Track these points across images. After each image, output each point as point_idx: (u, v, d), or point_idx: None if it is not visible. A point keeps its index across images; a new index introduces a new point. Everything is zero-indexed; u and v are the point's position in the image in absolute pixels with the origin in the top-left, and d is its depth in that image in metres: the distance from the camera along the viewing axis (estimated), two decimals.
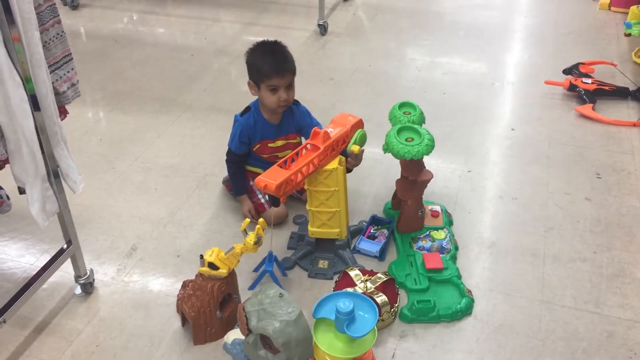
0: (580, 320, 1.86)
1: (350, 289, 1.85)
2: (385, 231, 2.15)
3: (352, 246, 2.10)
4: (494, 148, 2.66)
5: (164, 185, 2.44)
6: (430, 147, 1.92)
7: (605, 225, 2.22)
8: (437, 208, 2.22)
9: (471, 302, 1.89)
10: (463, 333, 1.82)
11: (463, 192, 2.39)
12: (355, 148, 1.99)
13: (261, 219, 1.73)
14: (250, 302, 1.60)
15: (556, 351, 1.76)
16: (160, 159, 2.60)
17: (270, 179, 1.74)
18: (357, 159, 2.04)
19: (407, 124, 1.99)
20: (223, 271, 1.73)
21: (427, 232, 2.13)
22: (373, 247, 2.09)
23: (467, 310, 1.87)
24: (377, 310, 1.61)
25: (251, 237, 1.70)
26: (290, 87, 2.08)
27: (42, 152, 1.59)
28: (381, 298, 1.81)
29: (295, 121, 2.20)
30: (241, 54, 3.56)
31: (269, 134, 2.18)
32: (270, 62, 2.04)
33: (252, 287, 1.93)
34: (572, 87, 2.99)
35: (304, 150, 1.89)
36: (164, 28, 3.91)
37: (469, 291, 1.92)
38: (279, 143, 2.18)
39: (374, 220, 2.20)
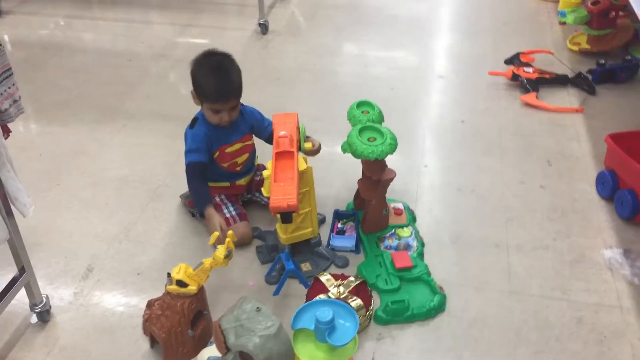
0: (550, 309, 1.89)
1: (323, 295, 1.81)
2: (352, 223, 2.13)
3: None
4: (446, 141, 2.68)
5: (115, 200, 2.32)
6: (393, 146, 1.90)
7: (562, 212, 2.27)
8: (400, 206, 2.21)
9: (443, 298, 1.89)
10: (439, 331, 1.82)
11: (422, 187, 2.39)
12: (308, 145, 1.98)
13: (230, 231, 1.67)
14: (226, 318, 1.54)
15: (530, 341, 1.79)
16: (108, 172, 2.47)
17: (285, 196, 1.66)
18: (314, 153, 2.05)
19: (368, 124, 1.97)
20: (192, 288, 1.66)
21: (393, 231, 2.12)
22: (347, 242, 2.07)
23: (440, 307, 1.87)
24: (356, 317, 1.58)
25: (221, 251, 1.63)
26: (234, 108, 2.02)
27: None
28: (356, 302, 1.78)
29: (246, 120, 2.13)
30: (182, 57, 3.49)
31: (224, 138, 2.09)
32: (214, 86, 1.96)
33: (276, 293, 1.89)
34: (514, 77, 3.06)
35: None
36: (94, 33, 3.74)
37: (440, 287, 1.92)
38: (237, 146, 2.10)
39: (338, 215, 2.18)
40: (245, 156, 2.13)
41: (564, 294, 1.94)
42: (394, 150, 1.90)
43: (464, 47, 3.52)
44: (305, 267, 2.00)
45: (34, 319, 1.82)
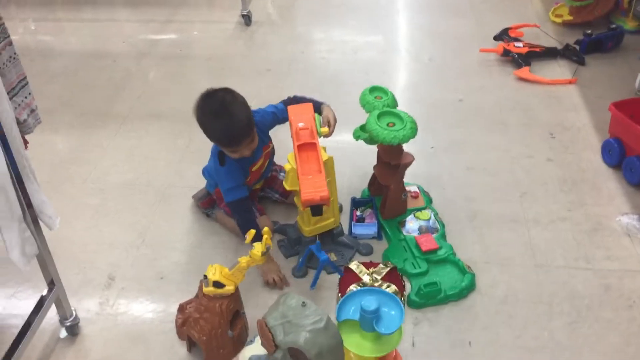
0: (577, 279, 1.92)
1: (354, 286, 1.80)
2: (370, 210, 2.13)
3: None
4: (448, 121, 2.68)
5: (124, 205, 2.27)
6: (415, 130, 1.89)
7: (572, 183, 2.30)
8: (415, 188, 2.21)
9: (473, 277, 1.90)
10: (473, 310, 1.83)
11: (432, 169, 2.39)
12: (325, 130, 1.94)
13: (266, 228, 1.64)
14: (271, 316, 1.52)
15: (563, 312, 1.81)
16: (112, 177, 2.41)
17: (316, 189, 1.63)
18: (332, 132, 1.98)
19: (385, 109, 1.95)
20: (230, 288, 1.63)
21: (412, 214, 2.12)
22: (369, 229, 2.07)
23: (471, 286, 1.88)
24: (401, 304, 1.57)
25: (258, 248, 1.60)
26: (251, 141, 1.88)
27: (16, 191, 1.41)
28: (391, 288, 1.77)
29: (262, 130, 2.02)
30: (167, 54, 3.43)
31: (250, 159, 1.98)
32: (220, 132, 1.83)
33: (313, 285, 1.88)
34: (505, 52, 3.08)
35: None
36: (72, 35, 3.63)
37: (469, 267, 1.93)
38: (261, 161, 2.04)
39: (355, 203, 2.17)
40: (265, 163, 2.09)
41: (588, 263, 1.97)
42: (415, 134, 1.89)
43: (448, 27, 3.51)
44: (331, 257, 1.98)
45: (63, 333, 1.77)
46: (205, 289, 1.63)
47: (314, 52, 3.29)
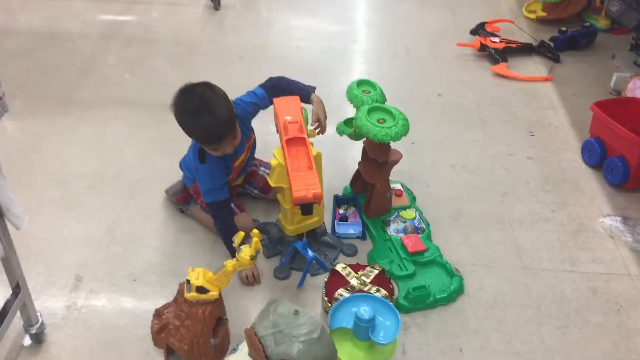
0: (564, 282, 1.89)
1: (343, 290, 1.72)
2: (354, 208, 2.05)
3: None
4: (428, 117, 2.62)
5: (91, 199, 2.12)
6: (407, 127, 1.82)
7: (554, 183, 2.28)
8: (399, 186, 2.15)
9: (462, 280, 1.85)
10: (462, 314, 1.78)
11: (414, 165, 2.33)
12: (313, 133, 1.86)
13: (255, 230, 1.53)
14: (261, 325, 1.42)
15: (552, 316, 1.78)
16: (76, 168, 2.26)
17: (309, 186, 1.54)
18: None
19: (375, 104, 1.87)
20: (214, 294, 1.53)
21: (396, 213, 2.05)
22: (353, 228, 2.00)
23: (460, 290, 1.83)
24: (396, 311, 1.51)
25: (246, 252, 1.50)
26: (233, 137, 1.77)
27: None
28: (381, 292, 1.71)
29: (244, 122, 1.90)
30: (132, 37, 3.25)
31: (232, 155, 1.87)
32: (201, 129, 1.70)
33: (300, 284, 1.79)
34: (482, 47, 3.04)
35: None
36: (25, 12, 3.40)
37: (456, 269, 1.88)
38: (243, 155, 1.93)
39: (338, 201, 2.09)
40: (247, 156, 1.98)
41: (574, 265, 1.95)
42: (407, 132, 1.82)
43: (423, 17, 3.47)
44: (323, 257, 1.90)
45: (27, 341, 1.63)
46: (187, 295, 1.52)
47: (287, 39, 3.18)
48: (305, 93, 1.88)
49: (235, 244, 1.51)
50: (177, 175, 2.09)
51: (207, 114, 1.67)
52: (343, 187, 2.18)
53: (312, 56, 3.04)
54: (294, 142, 1.69)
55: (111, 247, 1.94)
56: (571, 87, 2.84)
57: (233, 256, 1.81)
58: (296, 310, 1.44)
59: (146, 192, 2.15)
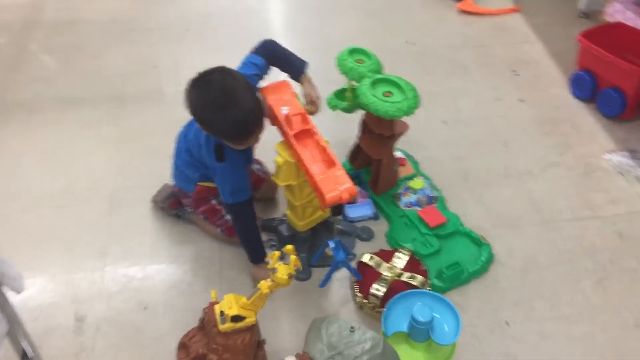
0: (589, 230, 1.83)
1: (378, 285, 1.58)
2: (358, 187, 1.91)
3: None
4: (405, 69, 2.42)
5: (67, 221, 1.87)
6: (418, 99, 1.66)
7: (552, 124, 2.20)
8: (400, 155, 2.01)
9: (490, 248, 1.75)
10: (498, 285, 1.69)
11: None
12: (311, 108, 1.66)
13: (289, 246, 1.36)
14: (316, 349, 1.29)
15: (588, 270, 1.72)
16: (38, 187, 1.98)
17: (340, 185, 1.39)
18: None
19: (378, 76, 1.70)
20: (251, 319, 1.37)
21: (404, 185, 1.92)
22: (365, 210, 1.87)
23: (491, 258, 1.74)
24: (453, 307, 1.41)
25: (283, 271, 1.33)
26: (262, 127, 1.53)
27: None
28: (418, 280, 1.59)
29: None
30: (59, 22, 2.87)
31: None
32: (231, 126, 1.44)
33: (323, 284, 1.59)
34: None
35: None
36: None
37: (482, 237, 1.78)
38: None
39: None
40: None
41: (593, 211, 1.89)
42: (419, 104, 1.66)
43: None
44: (328, 251, 1.74)
45: None
46: (222, 327, 1.36)
47: (235, 2, 2.90)
48: (296, 70, 1.66)
49: (270, 266, 1.34)
50: (153, 176, 1.90)
51: (233, 107, 1.42)
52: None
53: (266, 20, 2.80)
54: (301, 135, 1.51)
55: (107, 273, 1.73)
56: (541, 16, 2.74)
57: (252, 259, 1.66)
58: (352, 327, 1.31)
59: (125, 203, 1.92)
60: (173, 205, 1.83)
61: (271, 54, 1.64)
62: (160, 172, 1.92)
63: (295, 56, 1.67)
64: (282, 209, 1.89)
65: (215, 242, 1.79)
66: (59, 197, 1.95)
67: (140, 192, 1.93)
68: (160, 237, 1.83)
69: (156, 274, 1.73)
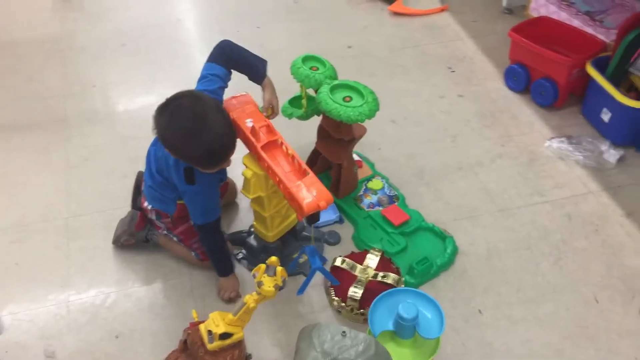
0: (540, 214, 1.93)
1: (354, 288, 1.62)
2: None
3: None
4: (346, 73, 2.44)
5: (24, 256, 1.80)
6: (377, 101, 1.70)
7: (492, 117, 2.30)
8: (356, 157, 2.05)
9: (453, 240, 1.82)
10: (466, 275, 1.77)
11: None
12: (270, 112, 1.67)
13: (273, 257, 1.36)
14: (310, 357, 1.30)
15: (545, 252, 1.82)
16: None
17: (313, 193, 1.40)
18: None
19: (335, 82, 1.72)
20: (239, 334, 1.37)
21: (364, 186, 1.97)
22: (330, 214, 1.89)
23: (456, 250, 1.81)
24: (435, 301, 1.46)
25: (269, 283, 1.34)
26: (234, 149, 1.51)
27: None
28: (392, 278, 1.63)
29: None
30: None
31: None
32: (204, 152, 1.41)
33: (301, 292, 1.55)
34: None
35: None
36: None
37: (445, 230, 1.85)
38: None
39: None
40: None
41: (542, 196, 2.00)
42: (379, 106, 1.70)
43: None
44: (302, 259, 1.76)
45: None
46: (211, 346, 1.34)
47: (166, 14, 2.85)
48: (257, 73, 1.63)
49: (257, 279, 1.34)
50: (109, 200, 1.86)
51: (205, 132, 1.39)
52: None
53: (199, 22, 2.77)
54: (269, 147, 1.52)
55: (73, 305, 1.67)
56: (468, 14, 2.86)
57: (221, 273, 1.66)
58: (343, 332, 1.33)
59: (82, 229, 1.87)
60: (139, 228, 1.77)
61: (229, 59, 1.60)
62: (115, 194, 1.90)
63: (254, 56, 1.65)
64: (245, 221, 1.89)
65: (183, 264, 1.77)
66: (13, 231, 1.87)
67: (96, 217, 1.89)
68: (124, 262, 1.78)
69: (125, 299, 1.69)
